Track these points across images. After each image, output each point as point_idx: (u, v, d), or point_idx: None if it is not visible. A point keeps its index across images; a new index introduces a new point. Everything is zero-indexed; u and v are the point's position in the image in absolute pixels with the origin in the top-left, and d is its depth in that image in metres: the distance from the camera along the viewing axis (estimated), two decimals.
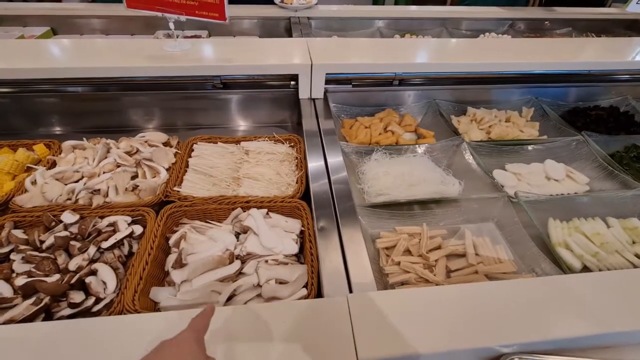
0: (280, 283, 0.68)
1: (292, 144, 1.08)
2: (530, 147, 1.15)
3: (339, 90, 1.28)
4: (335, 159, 0.91)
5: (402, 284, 0.76)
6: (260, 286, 0.68)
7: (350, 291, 0.60)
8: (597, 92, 1.45)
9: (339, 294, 0.58)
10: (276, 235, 0.76)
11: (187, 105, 1.22)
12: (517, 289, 0.59)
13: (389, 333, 0.50)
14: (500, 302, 0.56)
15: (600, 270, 0.80)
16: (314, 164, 0.90)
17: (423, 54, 1.28)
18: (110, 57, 1.14)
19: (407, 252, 0.82)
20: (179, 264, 0.71)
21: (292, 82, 1.18)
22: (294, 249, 0.75)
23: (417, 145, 1.11)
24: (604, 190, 1.03)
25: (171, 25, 1.12)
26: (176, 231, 0.80)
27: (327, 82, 1.24)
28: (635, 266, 0.80)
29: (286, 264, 0.72)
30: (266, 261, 0.72)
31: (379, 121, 1.23)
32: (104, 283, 0.66)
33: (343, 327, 0.50)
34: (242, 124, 1.26)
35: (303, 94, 1.18)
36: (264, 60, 1.13)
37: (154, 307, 0.67)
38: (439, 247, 0.84)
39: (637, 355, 0.54)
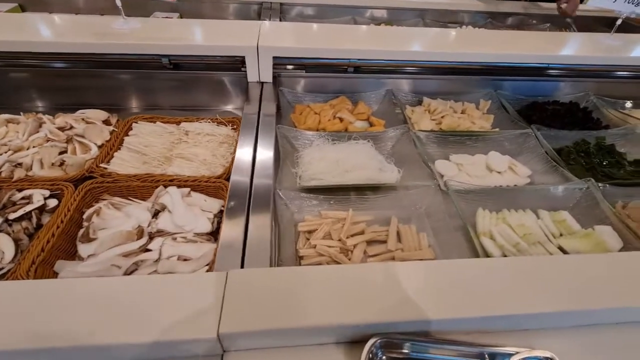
0: (185, 260, 0.68)
1: (235, 127, 1.07)
2: (478, 139, 1.15)
3: (293, 76, 1.27)
4: (266, 143, 0.91)
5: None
6: (168, 260, 0.68)
7: (242, 267, 0.60)
8: (561, 87, 1.45)
9: (230, 269, 0.58)
10: (191, 214, 0.76)
11: (137, 85, 1.21)
12: (412, 271, 0.59)
13: (261, 308, 0.50)
14: (386, 283, 0.56)
15: None
16: (244, 146, 0.89)
17: (379, 42, 1.26)
18: (55, 32, 1.12)
19: (329, 236, 0.82)
20: (87, 237, 0.71)
21: (244, 66, 1.17)
22: (207, 227, 0.75)
23: (361, 133, 1.10)
24: (542, 183, 1.03)
25: (118, 3, 1.11)
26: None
27: (279, 66, 1.23)
28: None
29: (195, 242, 0.72)
30: (175, 239, 0.72)
31: (330, 108, 1.22)
32: (2, 252, 0.66)
33: (214, 301, 0.50)
34: (192, 106, 1.24)
35: (251, 77, 1.16)
36: (211, 41, 1.11)
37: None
38: (362, 233, 0.84)
39: (517, 340, 0.54)
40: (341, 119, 1.20)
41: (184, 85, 1.21)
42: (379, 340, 0.49)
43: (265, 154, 0.87)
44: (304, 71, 1.25)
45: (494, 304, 0.53)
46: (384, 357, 0.50)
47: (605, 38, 1.38)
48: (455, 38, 1.37)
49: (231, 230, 0.66)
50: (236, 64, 1.18)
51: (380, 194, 0.96)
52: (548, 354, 0.50)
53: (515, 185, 1.01)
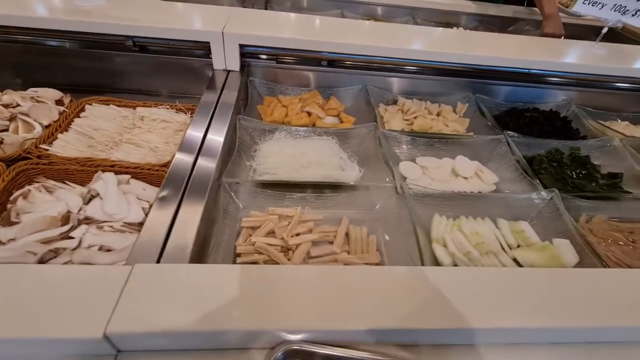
0: (108, 250, 0.65)
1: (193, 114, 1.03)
2: (448, 142, 1.11)
3: (264, 66, 1.23)
4: (217, 132, 0.87)
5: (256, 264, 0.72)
6: (88, 249, 0.64)
7: (158, 262, 0.56)
8: (544, 95, 1.41)
9: (140, 263, 0.54)
10: (124, 202, 0.72)
11: (99, 67, 1.17)
12: (341, 275, 0.55)
13: (161, 308, 0.47)
14: (310, 287, 0.52)
15: None
16: (192, 134, 0.85)
17: (354, 36, 1.22)
18: (17, 5, 1.07)
19: (273, 234, 0.78)
20: (7, 221, 0.67)
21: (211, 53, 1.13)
22: (140, 217, 0.71)
23: (326, 129, 1.06)
24: (507, 191, 0.99)
25: None
26: None
27: (250, 55, 1.19)
28: None
29: (123, 232, 0.68)
30: (101, 227, 0.68)
31: (298, 101, 1.18)
32: None
33: (110, 297, 0.47)
34: (156, 92, 1.20)
35: (217, 64, 1.12)
36: (176, 24, 1.07)
37: None
38: (309, 232, 0.80)
39: (431, 357, 0.51)
40: (309, 114, 1.16)
41: (148, 69, 1.17)
42: (283, 349, 0.46)
43: (214, 144, 0.83)
44: (275, 62, 1.21)
45: (417, 316, 0.50)
46: None
47: (589, 46, 1.34)
48: (435, 37, 1.33)
49: (156, 221, 0.62)
50: (204, 49, 1.13)
51: (338, 193, 0.92)
52: None
53: (479, 192, 0.98)
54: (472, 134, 1.19)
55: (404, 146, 1.08)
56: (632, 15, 1.21)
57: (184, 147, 0.80)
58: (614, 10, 1.21)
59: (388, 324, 0.49)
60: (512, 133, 1.12)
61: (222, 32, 1.05)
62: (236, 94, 1.02)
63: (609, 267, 0.75)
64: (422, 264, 0.71)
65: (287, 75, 1.26)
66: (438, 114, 1.27)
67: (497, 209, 0.92)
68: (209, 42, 1.07)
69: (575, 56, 1.27)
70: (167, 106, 1.03)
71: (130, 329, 0.44)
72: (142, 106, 1.02)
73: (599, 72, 1.29)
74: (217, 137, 0.85)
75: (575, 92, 1.40)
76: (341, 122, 1.19)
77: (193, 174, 0.74)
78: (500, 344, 0.53)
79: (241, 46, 1.11)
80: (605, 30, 1.29)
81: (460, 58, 1.22)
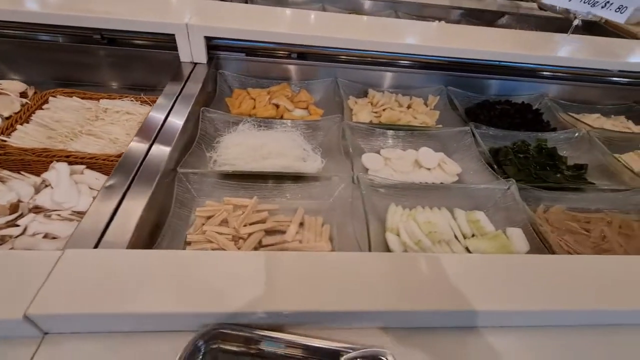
0: (54, 238, 0.66)
1: None
2: (414, 134, 1.11)
3: (233, 59, 1.23)
4: (174, 124, 0.87)
5: None
6: (32, 237, 0.65)
7: (96, 248, 0.57)
8: (518, 87, 1.41)
9: (74, 248, 0.55)
10: (74, 191, 0.73)
11: (66, 59, 1.17)
12: (280, 260, 0.56)
13: (88, 291, 0.47)
14: (244, 272, 0.53)
15: None
16: (149, 125, 0.85)
17: (328, 28, 1.22)
18: None
19: (226, 223, 0.79)
20: None
21: None
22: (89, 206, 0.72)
23: (290, 121, 1.07)
24: (468, 183, 1.00)
25: None
26: None
27: (218, 48, 1.19)
28: None
29: (71, 220, 0.69)
30: (49, 216, 0.69)
31: (267, 93, 1.19)
32: None
33: (35, 280, 0.47)
34: (124, 84, 1.21)
35: (184, 57, 1.13)
36: (140, 16, 1.07)
37: None
38: (263, 221, 0.81)
39: (365, 338, 0.52)
40: (277, 106, 1.17)
41: (115, 61, 1.17)
42: (206, 331, 0.47)
43: (169, 134, 0.84)
44: (245, 54, 1.22)
45: (351, 299, 0.51)
46: (212, 347, 0.47)
47: (561, 39, 1.34)
48: (408, 30, 1.33)
49: (99, 208, 0.63)
50: (172, 42, 1.14)
51: (298, 184, 0.93)
52: (387, 352, 0.47)
53: (441, 182, 0.99)
54: (440, 126, 1.20)
55: (370, 138, 1.09)
56: (602, 7, 1.21)
57: (138, 137, 0.81)
58: (584, 2, 1.21)
59: (314, 307, 0.50)
60: (479, 125, 1.13)
61: (187, 24, 1.05)
62: (200, 86, 1.03)
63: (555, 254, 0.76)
64: (370, 251, 0.72)
65: (258, 68, 1.26)
66: (409, 107, 1.27)
67: (457, 200, 0.92)
68: (174, 35, 1.08)
69: (546, 49, 1.28)
70: (132, 98, 1.04)
71: (52, 310, 0.45)
72: (107, 98, 1.03)
73: (569, 65, 1.29)
74: (173, 128, 0.86)
75: (550, 85, 1.41)
76: (310, 114, 1.20)
77: (144, 163, 0.75)
78: (443, 328, 0.54)
79: (208, 38, 1.12)
80: (576, 22, 1.30)
81: (432, 50, 1.22)
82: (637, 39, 1.89)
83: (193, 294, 0.49)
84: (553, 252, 0.76)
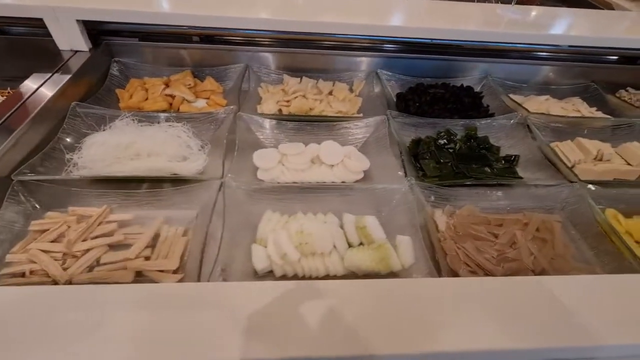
0: None
1: None
2: (321, 126, 1.00)
3: (125, 44, 1.11)
4: (16, 121, 0.77)
5: (23, 275, 0.64)
6: None
7: None
8: (463, 68, 1.28)
9: None
10: None
11: None
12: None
13: None
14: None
15: (284, 275, 0.69)
16: None
17: (233, 7, 1.09)
18: None
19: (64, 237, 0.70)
20: None
21: None
22: None
23: (176, 114, 0.97)
24: (369, 181, 0.89)
25: None
26: None
27: (107, 33, 1.08)
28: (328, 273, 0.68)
29: None
30: None
31: (162, 83, 1.07)
32: None
33: None
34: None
35: (61, 43, 1.01)
36: None
37: None
38: (111, 234, 0.71)
39: None
40: (173, 97, 1.06)
41: None
42: None
43: (15, 134, 0.73)
44: (138, 39, 1.10)
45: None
46: None
47: (505, 10, 1.20)
48: (331, 6, 1.20)
49: None
50: (43, 27, 1.02)
51: (179, 188, 0.83)
52: None
53: (342, 182, 0.88)
54: (360, 115, 1.09)
55: (269, 131, 0.98)
56: None
57: None
58: None
59: None
60: (397, 113, 1.02)
61: (53, 7, 0.94)
62: (69, 77, 0.92)
63: (439, 268, 0.66)
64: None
65: (160, 54, 1.15)
66: (330, 93, 1.16)
67: (355, 202, 0.82)
68: (42, 19, 0.96)
69: (485, 22, 1.14)
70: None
71: None
72: None
73: (512, 41, 1.16)
74: (16, 127, 0.76)
75: (497, 65, 1.28)
76: (208, 105, 1.09)
77: None
78: None
79: (87, 22, 1.00)
80: None
81: (357, 29, 1.09)
82: (611, 9, 1.73)
83: None
84: (438, 266, 0.66)
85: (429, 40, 1.15)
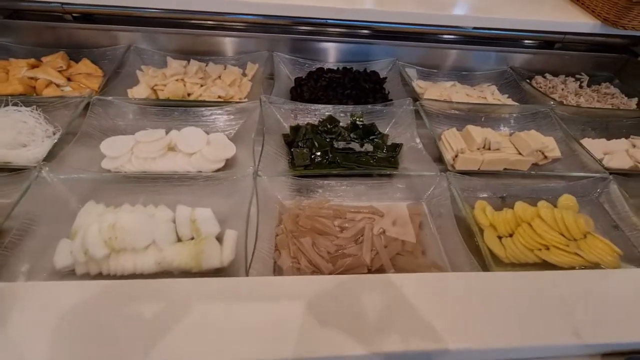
0: None
1: None
2: (190, 112, 0.93)
3: None
4: None
5: None
6: None
7: None
8: (374, 52, 1.22)
9: None
10: None
11: None
12: None
13: None
14: None
15: (87, 273, 0.63)
16: None
17: None
18: None
19: None
20: None
21: None
22: None
23: (24, 97, 0.90)
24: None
25: None
26: None
27: None
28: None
29: None
30: None
31: (25, 65, 1.00)
32: None
33: None
34: None
35: None
36: None
37: None
38: None
39: None
40: (35, 79, 0.98)
41: None
42: None
43: None
44: (3, 17, 1.02)
45: None
46: None
47: None
48: None
49: None
50: None
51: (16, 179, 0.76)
52: None
53: (199, 171, 0.82)
54: (245, 100, 1.02)
55: (131, 117, 0.92)
56: None
57: None
58: None
59: None
60: (274, 98, 0.96)
61: None
62: None
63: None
64: None
65: (28, 33, 1.07)
66: (219, 77, 1.09)
67: (207, 193, 0.76)
68: None
69: (385, 2, 1.07)
70: None
71: None
72: None
73: (415, 22, 1.09)
74: None
75: (409, 49, 1.21)
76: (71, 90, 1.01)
77: None
78: None
79: None
80: None
81: (250, 8, 1.01)
82: None
83: None
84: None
85: (323, 21, 1.08)
